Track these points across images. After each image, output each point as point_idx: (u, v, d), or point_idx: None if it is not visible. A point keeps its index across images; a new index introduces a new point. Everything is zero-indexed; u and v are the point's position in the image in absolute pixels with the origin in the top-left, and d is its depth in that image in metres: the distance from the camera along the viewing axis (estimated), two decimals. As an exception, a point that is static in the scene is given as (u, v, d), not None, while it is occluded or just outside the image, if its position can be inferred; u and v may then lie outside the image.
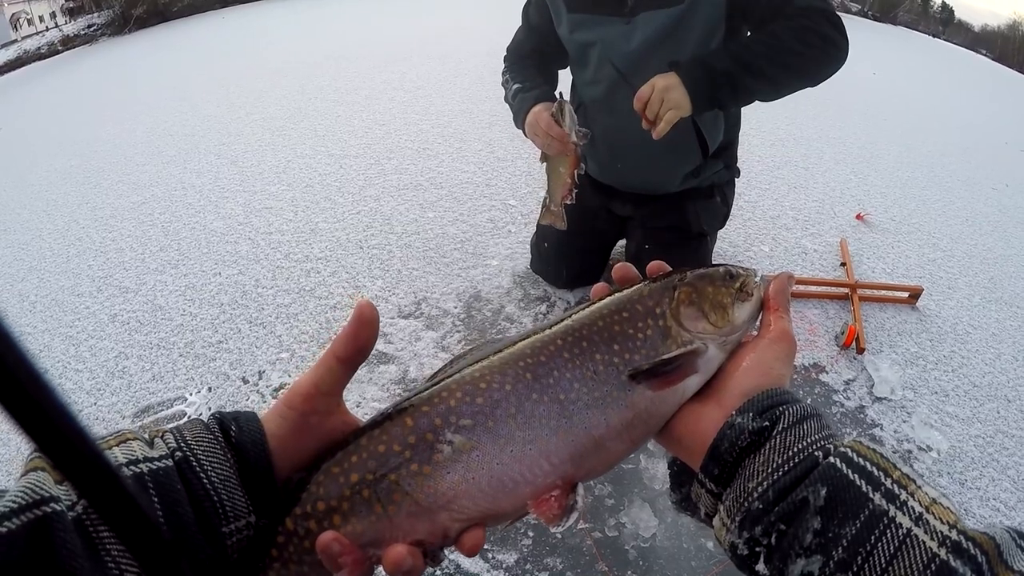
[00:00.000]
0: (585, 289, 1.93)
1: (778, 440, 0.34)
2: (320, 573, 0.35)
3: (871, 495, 0.30)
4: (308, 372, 0.38)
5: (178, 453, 0.34)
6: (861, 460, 0.32)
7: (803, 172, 2.76)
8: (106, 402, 1.56)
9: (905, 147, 3.19)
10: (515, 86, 1.45)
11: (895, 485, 0.30)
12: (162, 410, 1.56)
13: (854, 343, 1.69)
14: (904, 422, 1.51)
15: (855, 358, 1.68)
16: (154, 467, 0.33)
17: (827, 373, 1.64)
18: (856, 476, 0.31)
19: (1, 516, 0.26)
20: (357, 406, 1.54)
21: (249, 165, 2.56)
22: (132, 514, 0.21)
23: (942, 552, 0.27)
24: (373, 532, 0.35)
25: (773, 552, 0.32)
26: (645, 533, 1.29)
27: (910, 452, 1.44)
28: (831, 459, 0.32)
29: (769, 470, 0.33)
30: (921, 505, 0.29)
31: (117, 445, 0.34)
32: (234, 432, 0.36)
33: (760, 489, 0.33)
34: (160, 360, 1.69)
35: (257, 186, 2.42)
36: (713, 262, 0.93)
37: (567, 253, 1.67)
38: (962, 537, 0.28)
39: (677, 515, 1.32)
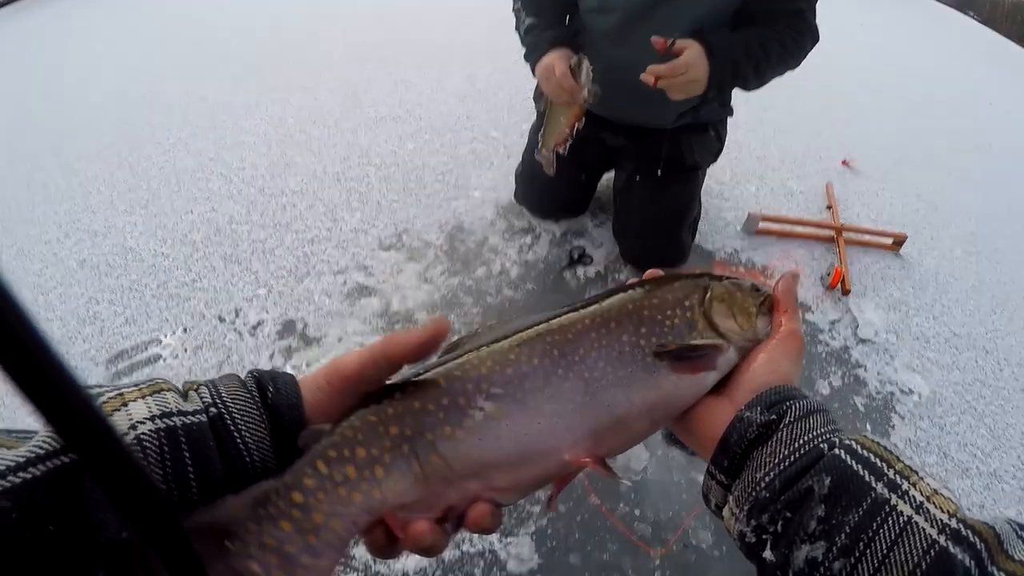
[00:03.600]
0: (570, 221, 1.85)
1: (785, 433, 0.35)
2: (347, 527, 0.34)
3: (874, 484, 0.31)
4: (353, 355, 0.37)
5: (212, 409, 0.34)
6: (865, 452, 0.33)
7: (790, 115, 2.69)
8: (78, 349, 1.50)
9: (890, 99, 3.11)
10: (528, 20, 1.38)
11: (897, 476, 0.31)
12: (137, 354, 1.50)
13: (840, 285, 1.71)
14: (887, 365, 1.55)
15: (840, 299, 1.72)
16: (187, 421, 0.33)
17: (813, 313, 1.67)
18: (860, 466, 0.32)
19: (26, 462, 0.25)
20: (339, 340, 1.49)
21: (220, 101, 2.43)
22: (128, 472, 0.20)
23: (941, 539, 0.28)
24: (412, 494, 0.35)
25: (779, 539, 0.33)
26: (636, 466, 1.29)
27: (892, 395, 1.48)
28: (836, 451, 0.33)
29: (776, 460, 0.34)
30: (922, 495, 0.30)
31: (151, 394, 0.33)
32: (271, 393, 0.36)
33: (768, 479, 0.34)
34: (132, 303, 1.62)
35: (228, 122, 2.30)
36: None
37: (553, 183, 1.60)
38: (962, 525, 0.28)
39: (668, 448, 1.30)
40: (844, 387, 1.49)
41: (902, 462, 0.32)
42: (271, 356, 1.46)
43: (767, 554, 0.33)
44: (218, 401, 0.35)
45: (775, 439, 0.35)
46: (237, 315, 1.56)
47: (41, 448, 0.27)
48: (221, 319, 1.56)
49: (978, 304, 1.82)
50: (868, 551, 0.29)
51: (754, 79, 1.28)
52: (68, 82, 2.69)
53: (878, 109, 3.00)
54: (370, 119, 2.34)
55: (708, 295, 0.43)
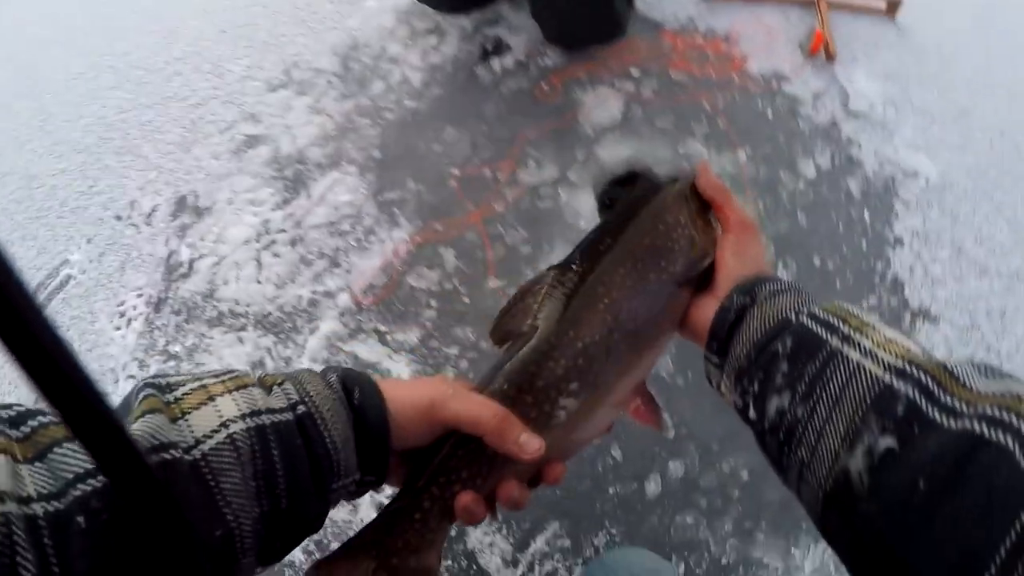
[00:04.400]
0: (482, 11, 1.43)
1: (756, 311, 0.38)
2: (444, 527, 0.40)
3: (828, 339, 0.33)
4: (431, 388, 0.39)
5: (301, 407, 0.35)
6: (825, 315, 0.35)
7: None
8: None
9: None
10: None
11: (852, 330, 0.33)
12: (51, 282, 1.38)
13: (823, 50, 1.42)
14: (886, 142, 1.31)
15: (824, 67, 1.42)
16: (276, 420, 0.33)
17: (791, 83, 1.38)
18: (818, 326, 0.35)
19: None
20: (229, 203, 1.26)
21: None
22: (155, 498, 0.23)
23: (886, 377, 0.29)
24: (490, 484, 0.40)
25: (757, 398, 0.36)
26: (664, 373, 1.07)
27: (894, 178, 1.26)
28: (801, 318, 0.36)
29: (751, 334, 0.38)
30: (873, 343, 0.32)
31: (236, 390, 0.34)
32: (357, 396, 0.38)
33: (745, 350, 0.38)
34: (40, 231, 1.49)
35: (112, 11, 1.98)
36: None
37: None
38: (908, 364, 0.29)
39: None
40: (835, 169, 1.24)
41: (860, 319, 0.34)
42: (166, 241, 1.28)
43: (751, 414, 0.37)
44: (306, 399, 0.36)
45: (748, 316, 0.39)
46: (132, 208, 1.39)
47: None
48: (118, 218, 1.39)
49: (989, 83, 1.44)
50: (824, 395, 0.31)
51: None
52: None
53: None
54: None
55: (688, 207, 0.45)
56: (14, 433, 0.27)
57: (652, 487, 0.98)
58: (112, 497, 0.26)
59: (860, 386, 0.30)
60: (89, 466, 0.26)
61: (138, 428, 0.28)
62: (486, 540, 0.94)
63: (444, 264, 1.02)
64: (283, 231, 1.14)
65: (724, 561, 0.97)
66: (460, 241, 1.05)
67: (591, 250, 0.43)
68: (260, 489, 0.32)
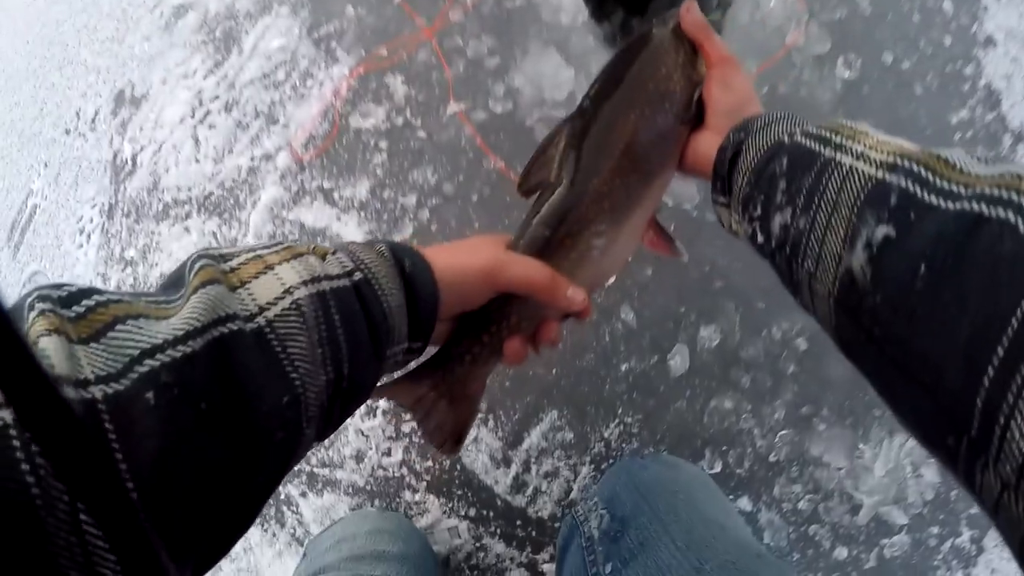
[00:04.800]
0: None
1: (751, 141, 0.39)
2: (492, 364, 0.45)
3: (821, 151, 0.33)
4: (484, 255, 0.41)
5: (357, 274, 0.35)
6: (819, 130, 0.35)
7: None
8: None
9: None
10: None
11: (844, 139, 0.33)
12: (22, 217, 1.31)
13: None
14: None
15: None
16: (336, 286, 0.34)
17: None
18: (811, 141, 0.35)
19: (185, 335, 0.25)
20: (163, 83, 1.09)
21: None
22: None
23: (878, 173, 0.29)
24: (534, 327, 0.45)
25: (762, 219, 0.37)
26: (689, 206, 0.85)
27: None
28: (795, 137, 0.36)
29: (748, 161, 0.38)
30: (865, 146, 0.31)
31: (293, 259, 0.33)
32: (408, 266, 0.38)
33: (745, 178, 0.38)
34: (6, 170, 1.41)
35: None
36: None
37: None
38: (898, 158, 0.29)
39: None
40: None
41: (854, 128, 0.34)
42: (110, 141, 1.16)
43: (759, 238, 0.37)
44: (361, 266, 0.36)
45: (745, 147, 0.39)
46: (78, 118, 1.27)
47: (197, 321, 0.26)
48: (67, 132, 1.28)
49: None
50: (822, 203, 0.31)
51: None
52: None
53: None
54: None
55: (683, 47, 0.47)
56: (66, 313, 0.24)
57: (678, 362, 0.78)
58: (185, 371, 0.25)
59: (854, 187, 0.30)
60: (157, 341, 0.25)
61: (197, 300, 0.27)
62: (469, 435, 0.78)
63: (392, 95, 0.82)
64: (216, 98, 0.98)
65: (773, 458, 0.77)
66: (410, 64, 0.84)
67: (598, 99, 0.46)
68: (325, 356, 0.32)
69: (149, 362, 0.24)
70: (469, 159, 0.79)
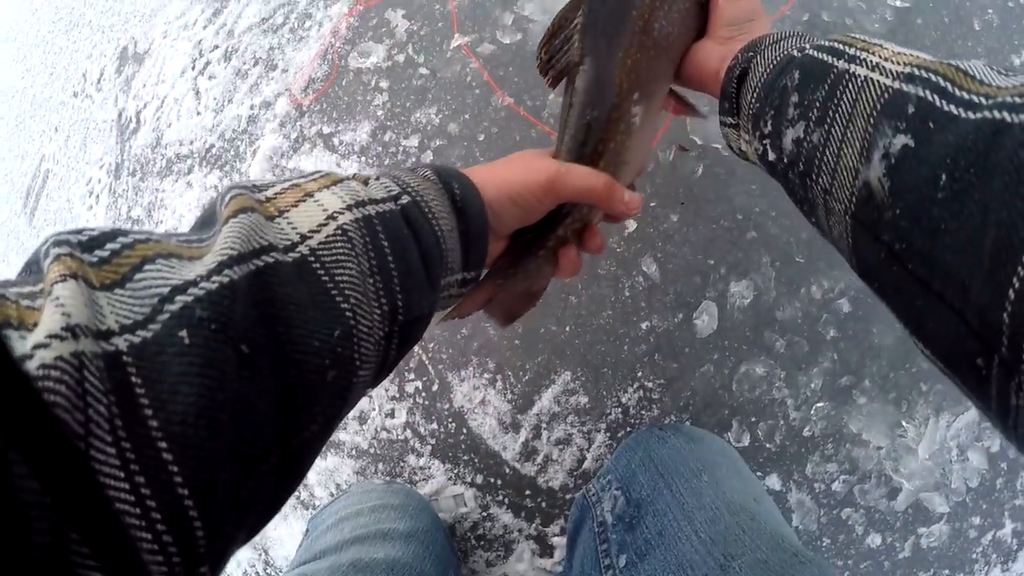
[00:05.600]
0: None
1: (760, 57, 0.37)
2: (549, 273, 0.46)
3: (835, 63, 0.32)
4: (542, 168, 0.40)
5: (404, 197, 0.33)
6: (831, 42, 0.34)
7: None
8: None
9: None
10: None
11: (858, 51, 0.31)
12: (36, 183, 1.35)
13: None
14: None
15: None
16: (381, 209, 0.32)
17: None
18: (824, 54, 0.33)
19: (219, 266, 0.23)
20: (164, 36, 1.06)
21: None
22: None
23: (895, 84, 0.28)
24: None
25: (772, 135, 0.35)
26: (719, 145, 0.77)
27: None
28: (806, 51, 0.34)
29: (757, 78, 0.37)
30: (880, 58, 0.30)
31: (333, 184, 0.31)
32: (457, 190, 0.36)
33: (755, 94, 0.37)
34: (20, 138, 1.43)
35: None
36: None
37: None
38: (916, 68, 0.28)
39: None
40: None
41: (868, 41, 0.32)
42: (115, 101, 1.13)
43: (771, 155, 0.36)
44: (408, 189, 0.34)
45: (754, 65, 0.38)
46: (85, 80, 1.25)
47: (233, 250, 0.24)
48: (75, 95, 1.27)
49: None
50: (836, 115, 0.30)
51: None
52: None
53: None
54: None
55: None
56: (88, 257, 0.22)
57: (705, 322, 0.70)
58: (224, 304, 0.22)
59: (870, 98, 0.28)
60: (190, 277, 0.22)
61: (230, 230, 0.25)
62: (476, 397, 0.72)
63: (394, 31, 0.76)
64: (216, 47, 0.93)
65: (807, 432, 0.70)
66: (412, -2, 0.78)
67: None
68: (377, 286, 0.29)
69: (181, 298, 0.21)
70: (475, 96, 0.72)
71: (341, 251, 0.28)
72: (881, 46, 0.31)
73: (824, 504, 0.72)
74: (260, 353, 0.23)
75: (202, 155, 0.90)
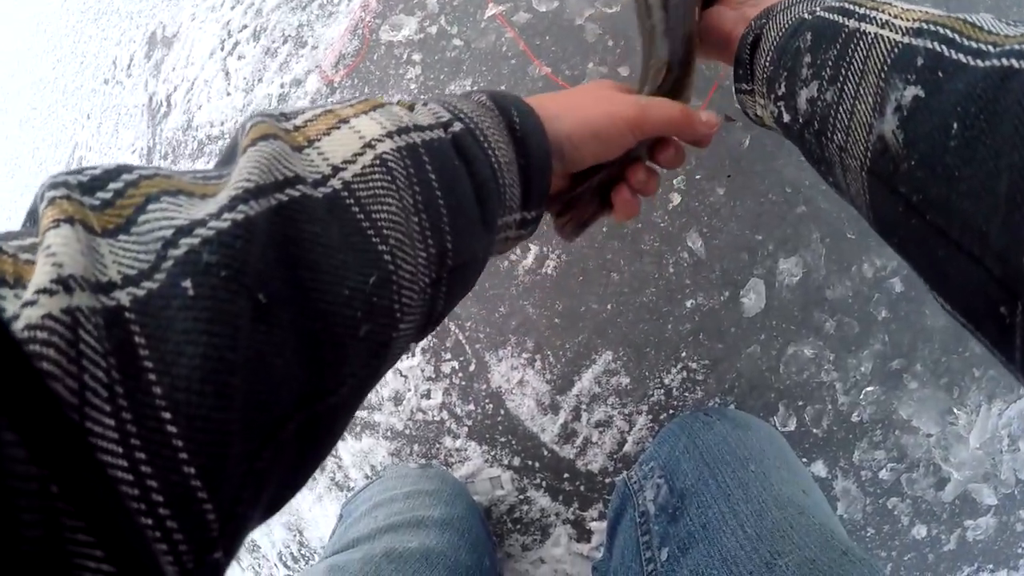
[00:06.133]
0: None
1: (772, 22, 0.37)
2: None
3: (845, 22, 0.32)
4: (622, 102, 0.38)
5: (457, 124, 0.30)
6: (840, 3, 0.33)
7: None
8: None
9: None
10: None
11: (867, 9, 0.31)
12: (72, 166, 1.32)
13: None
14: None
15: None
16: (428, 137, 0.28)
17: None
18: (834, 15, 0.33)
19: (232, 201, 0.20)
20: (192, 20, 1.06)
21: None
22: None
23: (905, 39, 0.28)
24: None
25: (787, 96, 0.35)
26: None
27: None
28: (817, 13, 0.34)
29: (769, 42, 0.37)
30: (890, 15, 0.30)
31: (372, 109, 0.28)
32: (516, 118, 0.33)
33: (768, 58, 0.37)
34: (53, 126, 1.46)
35: None
36: None
37: None
38: (924, 23, 0.28)
39: None
40: None
41: (876, 0, 0.32)
42: (145, 85, 1.14)
43: (786, 118, 0.36)
44: (461, 116, 0.31)
45: (766, 31, 0.37)
46: (115, 66, 1.26)
47: (249, 181, 0.21)
48: (106, 82, 1.29)
49: None
50: (848, 73, 0.30)
51: None
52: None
53: None
54: None
55: None
56: (89, 200, 0.19)
57: (752, 300, 0.68)
58: (236, 247, 0.19)
59: (880, 54, 0.28)
60: (198, 216, 0.19)
61: (248, 160, 0.21)
62: (514, 377, 0.70)
63: (425, 3, 0.74)
64: (244, 27, 0.92)
65: (856, 417, 0.68)
66: (444, -33, 0.75)
67: None
68: (423, 225, 0.26)
69: (187, 241, 0.19)
70: (511, 67, 0.70)
71: (380, 185, 0.25)
72: (890, 3, 0.31)
73: (870, 493, 0.69)
74: (280, 303, 0.20)
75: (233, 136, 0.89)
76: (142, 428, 0.17)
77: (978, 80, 0.23)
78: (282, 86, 0.84)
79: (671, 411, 0.69)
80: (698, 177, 0.67)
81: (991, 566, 0.69)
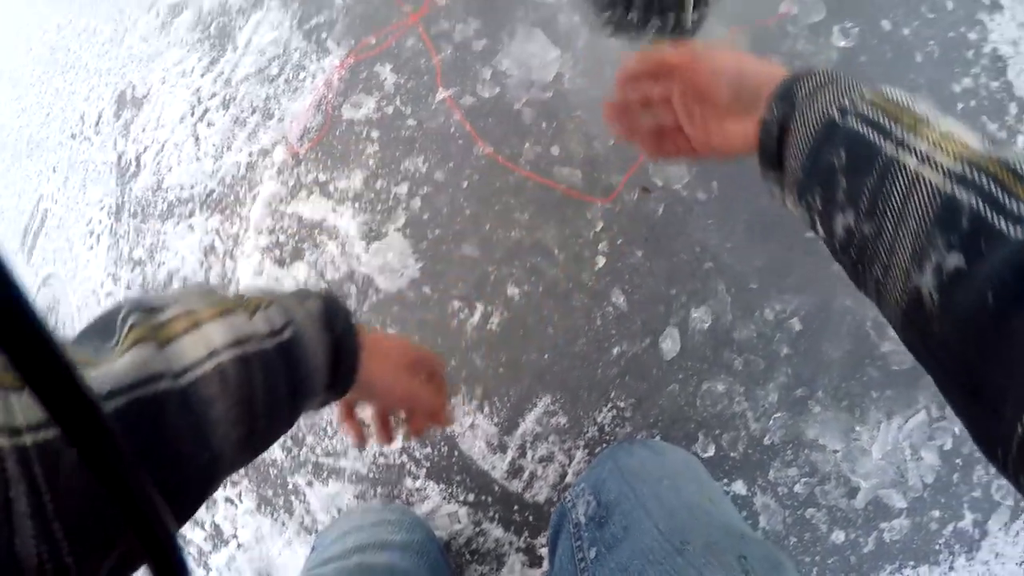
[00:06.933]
0: None
1: (799, 117, 0.37)
2: None
3: (882, 144, 0.31)
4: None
5: (287, 331, 0.36)
6: (874, 112, 0.33)
7: None
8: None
9: None
10: None
11: (904, 130, 0.31)
12: (33, 223, 1.38)
13: None
14: None
15: None
16: (260, 348, 0.34)
17: None
18: (868, 129, 0.32)
19: (109, 393, 0.26)
20: (163, 82, 1.11)
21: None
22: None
23: (947, 186, 0.28)
24: None
25: (822, 215, 0.35)
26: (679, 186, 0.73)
27: None
28: (848, 118, 0.34)
29: (799, 143, 0.36)
30: (928, 143, 0.30)
31: (221, 316, 0.34)
32: (339, 334, 0.41)
33: (798, 163, 0.37)
34: (16, 176, 1.46)
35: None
36: None
37: None
38: (967, 167, 0.27)
39: None
40: None
41: (913, 113, 0.32)
42: (114, 144, 1.18)
43: (819, 230, 0.36)
44: (294, 323, 0.37)
45: (794, 128, 0.37)
46: (83, 122, 1.29)
47: (124, 383, 0.27)
48: (73, 136, 1.31)
49: None
50: (887, 210, 0.30)
51: None
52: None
53: None
54: None
55: None
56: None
57: (669, 345, 0.77)
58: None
59: (922, 199, 0.28)
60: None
61: (128, 359, 0.27)
62: (465, 421, 0.78)
63: (383, 84, 0.83)
64: (214, 95, 0.99)
65: (768, 440, 0.76)
66: (398, 52, 0.84)
67: None
68: (242, 415, 0.33)
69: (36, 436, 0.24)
70: (459, 145, 0.78)
71: (215, 389, 0.31)
72: (927, 123, 0.31)
73: (788, 506, 0.77)
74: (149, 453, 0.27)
75: (203, 199, 0.95)
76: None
77: (1016, 252, 0.24)
78: (250, 155, 0.91)
79: (604, 444, 0.77)
80: (619, 242, 0.76)
81: (912, 563, 0.75)
